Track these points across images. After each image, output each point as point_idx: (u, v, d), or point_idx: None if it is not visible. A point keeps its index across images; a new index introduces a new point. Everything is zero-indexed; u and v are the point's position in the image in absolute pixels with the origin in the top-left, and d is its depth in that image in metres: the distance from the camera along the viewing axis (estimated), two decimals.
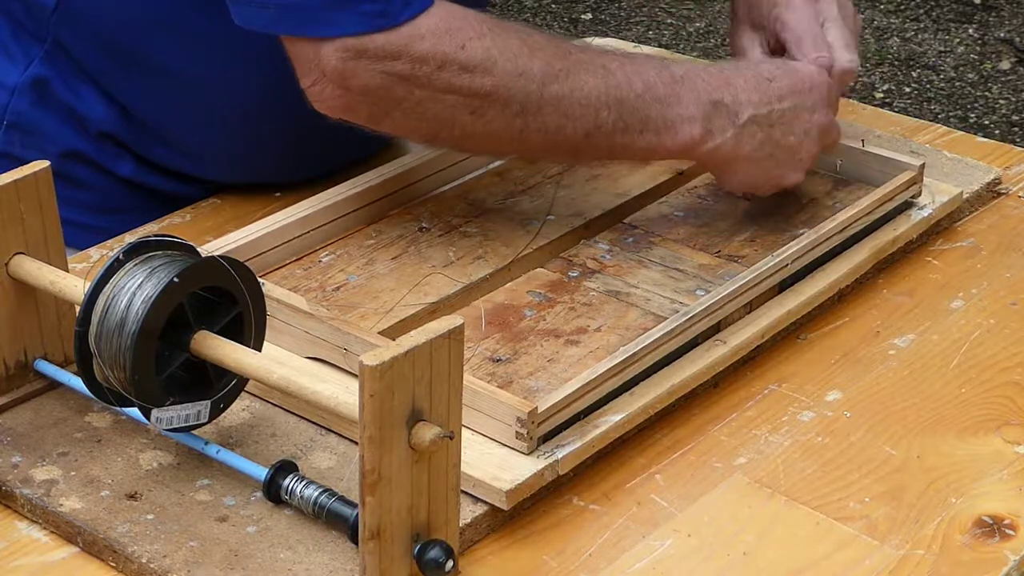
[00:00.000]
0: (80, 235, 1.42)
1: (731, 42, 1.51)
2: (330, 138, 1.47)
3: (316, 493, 1.04)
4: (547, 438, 1.12)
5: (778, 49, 1.46)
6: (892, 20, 4.17)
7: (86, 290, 1.05)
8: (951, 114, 3.71)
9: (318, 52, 1.24)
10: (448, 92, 1.24)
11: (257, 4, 1.25)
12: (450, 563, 0.99)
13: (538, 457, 1.10)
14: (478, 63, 1.24)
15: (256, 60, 1.38)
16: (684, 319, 1.20)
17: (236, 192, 1.49)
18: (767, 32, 1.46)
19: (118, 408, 1.10)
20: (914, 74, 3.90)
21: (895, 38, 4.08)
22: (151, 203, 1.48)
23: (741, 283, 1.25)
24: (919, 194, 1.42)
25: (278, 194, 1.48)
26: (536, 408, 1.09)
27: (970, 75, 3.89)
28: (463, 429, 1.02)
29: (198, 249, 1.12)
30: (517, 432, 1.09)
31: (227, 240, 1.29)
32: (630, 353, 1.16)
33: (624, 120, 1.29)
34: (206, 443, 1.10)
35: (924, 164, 1.42)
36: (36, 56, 1.44)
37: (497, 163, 1.48)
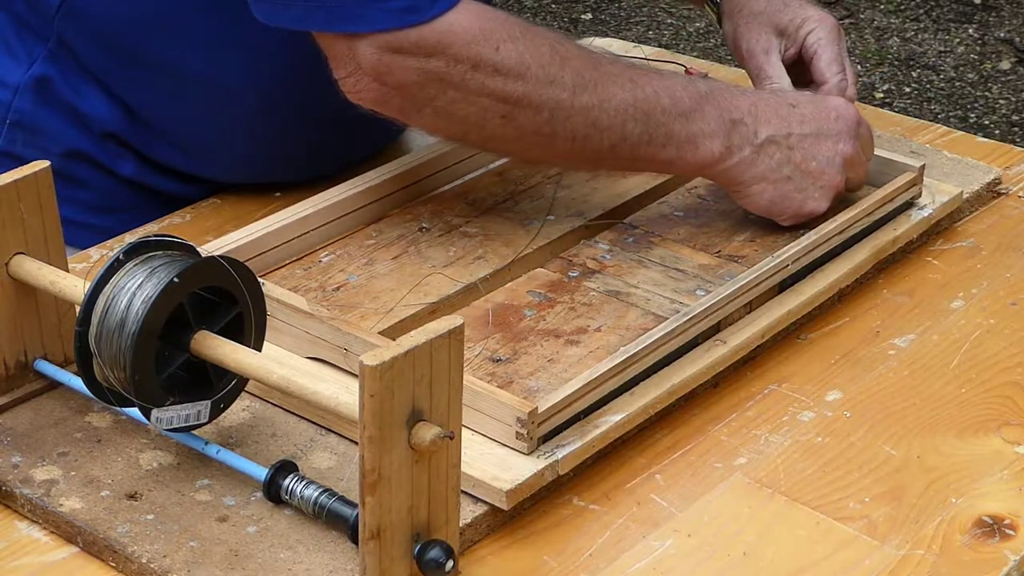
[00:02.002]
0: (81, 235, 1.42)
1: (743, 38, 1.50)
2: (333, 138, 1.46)
3: (316, 493, 1.04)
4: (547, 438, 1.12)
5: (792, 58, 1.47)
6: (892, 20, 4.17)
7: (86, 290, 1.05)
8: (951, 114, 3.71)
9: (354, 46, 1.24)
10: (481, 94, 1.25)
11: (282, 3, 1.25)
12: (450, 563, 0.99)
13: (538, 457, 1.10)
14: (512, 67, 1.25)
15: (260, 60, 1.38)
16: (684, 319, 1.20)
17: (236, 192, 1.49)
18: (789, 41, 1.47)
19: (118, 408, 1.10)
20: (914, 74, 3.90)
21: (895, 38, 4.08)
22: (152, 203, 1.48)
23: (741, 284, 1.25)
24: (919, 195, 1.42)
25: (278, 194, 1.48)
26: (536, 408, 1.09)
27: (970, 75, 3.89)
28: (463, 429, 1.02)
29: (198, 249, 1.12)
30: (517, 432, 1.09)
31: (227, 240, 1.29)
32: (630, 353, 1.16)
33: (649, 133, 1.29)
34: (206, 443, 1.10)
35: (924, 165, 1.42)
36: (39, 55, 1.44)
37: (497, 163, 1.48)
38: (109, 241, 1.42)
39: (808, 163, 1.33)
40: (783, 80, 1.46)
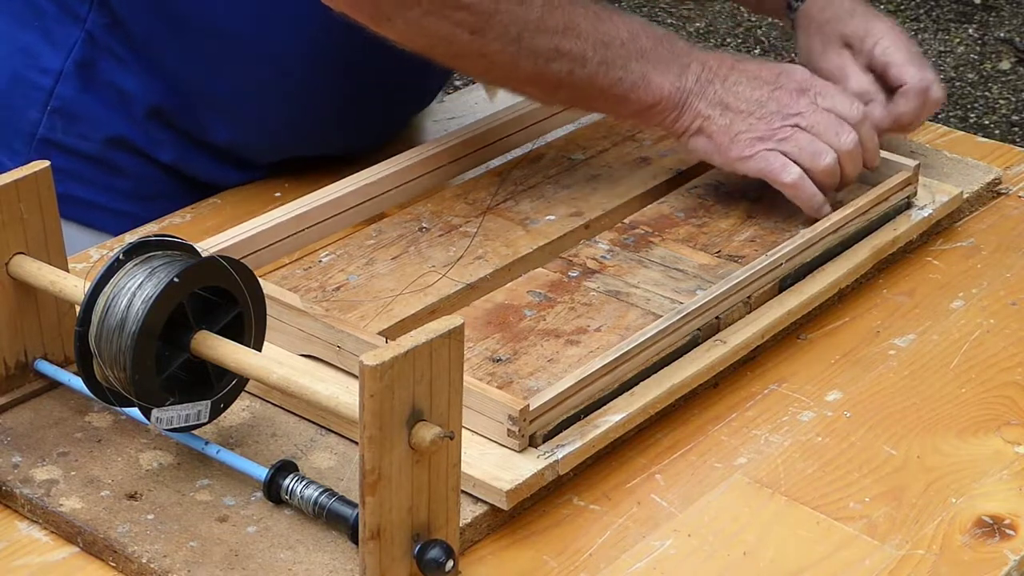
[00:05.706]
0: (113, 220, 1.43)
1: (816, 54, 1.48)
2: (374, 107, 1.47)
3: (316, 493, 1.04)
4: (548, 438, 1.12)
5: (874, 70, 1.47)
6: None
7: (86, 290, 1.05)
8: (951, 114, 3.71)
9: None
10: (456, 8, 1.28)
11: None
12: (450, 563, 0.99)
13: (538, 457, 1.10)
14: None
15: (307, 26, 1.40)
16: (677, 317, 1.20)
17: (236, 192, 1.49)
18: (856, 55, 1.46)
19: (118, 408, 1.10)
20: None
21: None
22: (187, 191, 1.49)
23: (734, 282, 1.25)
24: (915, 195, 1.42)
25: (278, 194, 1.48)
26: (528, 406, 1.09)
27: (970, 75, 3.89)
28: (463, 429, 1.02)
29: (198, 248, 1.12)
30: (509, 430, 1.09)
31: (221, 238, 1.28)
32: (622, 351, 1.16)
33: (607, 63, 1.33)
34: (206, 443, 1.10)
35: (919, 164, 1.42)
36: (79, 37, 1.44)
37: (497, 163, 1.48)
38: (109, 241, 1.42)
39: (738, 104, 1.36)
40: (863, 82, 1.45)
